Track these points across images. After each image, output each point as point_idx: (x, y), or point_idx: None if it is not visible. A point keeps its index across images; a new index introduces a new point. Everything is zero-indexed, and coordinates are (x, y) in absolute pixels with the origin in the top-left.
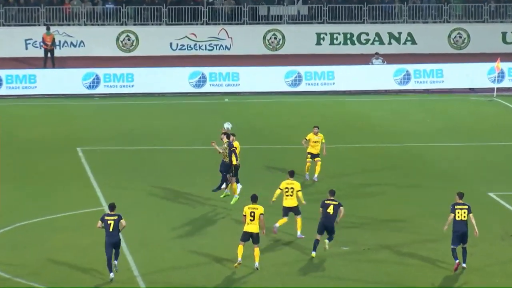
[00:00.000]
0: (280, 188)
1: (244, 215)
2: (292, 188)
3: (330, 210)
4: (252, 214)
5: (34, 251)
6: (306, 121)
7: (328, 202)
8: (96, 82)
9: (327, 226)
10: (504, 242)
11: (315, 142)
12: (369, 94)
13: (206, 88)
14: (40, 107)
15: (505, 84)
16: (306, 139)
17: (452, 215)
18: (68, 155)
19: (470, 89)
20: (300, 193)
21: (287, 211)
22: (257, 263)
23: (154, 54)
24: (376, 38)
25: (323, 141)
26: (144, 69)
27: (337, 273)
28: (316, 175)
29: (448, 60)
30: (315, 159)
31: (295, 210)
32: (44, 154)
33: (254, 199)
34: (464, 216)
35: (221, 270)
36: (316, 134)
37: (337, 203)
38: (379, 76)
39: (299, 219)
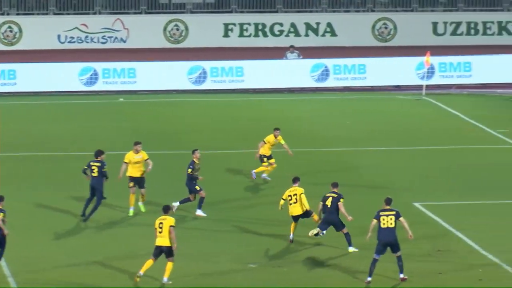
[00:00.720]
0: (283, 198)
1: (155, 228)
2: (295, 194)
3: (328, 202)
4: (161, 225)
5: None
6: (213, 124)
7: (328, 194)
8: None
9: (329, 221)
10: (430, 258)
11: (272, 145)
12: (283, 92)
13: (99, 86)
14: None
15: (435, 81)
16: (264, 141)
17: (375, 221)
18: None
19: (396, 86)
20: (303, 196)
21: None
22: (165, 278)
23: (39, 48)
24: (291, 29)
25: (282, 142)
26: (28, 65)
27: None
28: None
29: (372, 54)
30: (270, 161)
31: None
32: None
33: (165, 210)
34: (391, 224)
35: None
36: (276, 136)
37: (336, 195)
38: (294, 72)
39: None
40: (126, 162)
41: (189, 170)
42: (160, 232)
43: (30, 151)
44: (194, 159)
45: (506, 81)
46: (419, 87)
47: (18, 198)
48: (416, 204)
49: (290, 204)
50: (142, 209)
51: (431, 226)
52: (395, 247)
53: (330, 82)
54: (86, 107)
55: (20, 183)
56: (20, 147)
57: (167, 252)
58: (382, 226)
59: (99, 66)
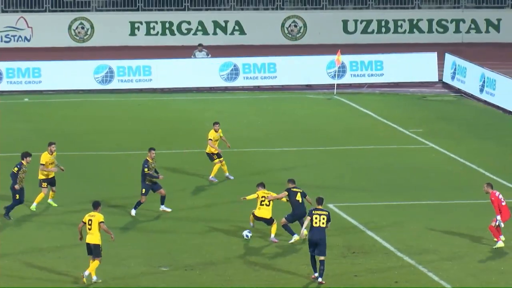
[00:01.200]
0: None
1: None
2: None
3: (299, 197)
4: (90, 222)
5: None
6: (121, 124)
7: (294, 189)
8: None
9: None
10: (345, 260)
11: (217, 140)
12: (192, 92)
13: (3, 86)
14: None
15: (347, 80)
16: (211, 139)
17: (309, 218)
18: None
19: (307, 85)
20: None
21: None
22: (94, 277)
23: None
24: (200, 28)
25: (221, 135)
26: None
27: None
28: (212, 176)
29: (282, 52)
30: (221, 159)
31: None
32: None
33: (95, 206)
34: (323, 223)
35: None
36: (217, 131)
37: (301, 190)
38: (203, 71)
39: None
40: (42, 164)
41: (145, 169)
42: (89, 229)
43: None
44: (148, 158)
45: (418, 80)
46: (331, 86)
47: None
48: (330, 206)
49: (262, 205)
50: (54, 204)
51: (345, 228)
52: (322, 249)
53: (239, 81)
54: None
55: None
56: None
57: (94, 250)
58: (313, 224)
59: (2, 65)
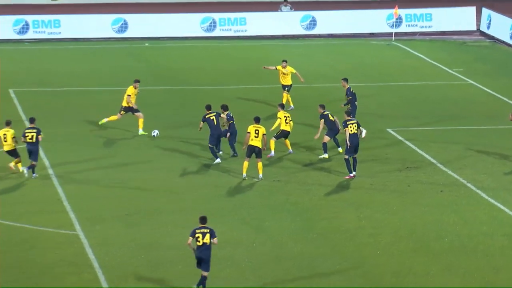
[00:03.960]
0: (248, 132)
1: (248, 132)
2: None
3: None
4: (257, 132)
5: None
6: (222, 64)
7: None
8: (25, 28)
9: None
10: (400, 173)
11: (284, 74)
12: (279, 39)
13: (129, 33)
14: None
15: (402, 29)
16: (276, 68)
17: (346, 129)
18: (1, 96)
19: (370, 33)
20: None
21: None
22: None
23: (79, 2)
24: None
25: (294, 71)
26: (70, 16)
27: None
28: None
29: (350, 7)
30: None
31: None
32: None
33: (257, 120)
34: (355, 129)
35: (144, 199)
36: (284, 67)
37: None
38: (287, 22)
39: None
40: (129, 95)
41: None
42: (256, 136)
43: (72, 86)
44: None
45: (460, 29)
46: (390, 34)
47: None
48: (388, 130)
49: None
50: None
51: (401, 148)
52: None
53: (317, 30)
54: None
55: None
56: (62, 83)
57: (258, 152)
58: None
59: (127, 16)
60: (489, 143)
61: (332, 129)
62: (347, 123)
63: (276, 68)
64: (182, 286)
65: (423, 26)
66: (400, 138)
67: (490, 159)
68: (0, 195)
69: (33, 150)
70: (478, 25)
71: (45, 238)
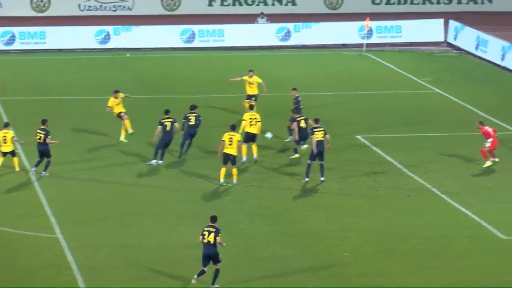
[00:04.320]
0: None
1: (222, 140)
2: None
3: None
4: (231, 139)
5: None
6: (201, 74)
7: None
8: (12, 39)
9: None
10: (368, 178)
11: (250, 83)
12: (255, 49)
13: (112, 44)
14: None
15: (373, 40)
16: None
17: (313, 136)
18: None
19: (342, 44)
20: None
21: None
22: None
23: (64, 14)
24: (261, 0)
25: (260, 81)
26: (55, 28)
27: None
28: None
29: (324, 19)
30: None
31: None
32: None
33: (233, 128)
34: (322, 137)
35: (122, 202)
36: (251, 77)
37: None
38: (263, 34)
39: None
40: (109, 106)
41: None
42: (230, 144)
43: (56, 95)
44: None
45: (428, 40)
46: (361, 45)
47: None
48: (358, 137)
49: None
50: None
51: (370, 154)
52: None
53: (292, 41)
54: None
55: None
56: (47, 92)
57: (233, 159)
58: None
59: (110, 28)
60: (455, 149)
61: (300, 135)
62: (314, 130)
63: (242, 79)
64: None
65: (392, 37)
66: (369, 144)
67: (455, 164)
68: None
69: (43, 150)
70: (446, 36)
71: (25, 241)
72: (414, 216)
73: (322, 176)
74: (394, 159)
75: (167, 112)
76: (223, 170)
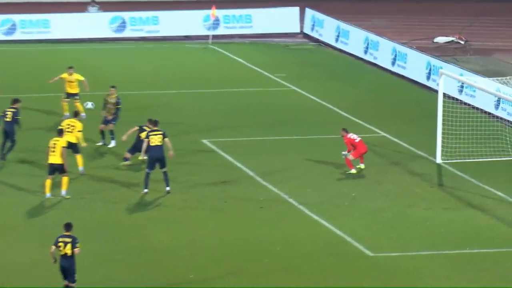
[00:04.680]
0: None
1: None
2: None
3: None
4: (54, 145)
5: None
6: (23, 72)
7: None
8: None
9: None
10: (217, 187)
11: (70, 82)
12: (85, 42)
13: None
14: None
15: (220, 31)
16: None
17: (147, 140)
18: None
19: (185, 36)
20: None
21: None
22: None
23: None
24: None
25: (81, 78)
26: None
27: None
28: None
29: (164, 7)
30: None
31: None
32: None
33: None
34: (160, 141)
35: None
36: (70, 74)
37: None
38: (95, 24)
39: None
40: None
41: None
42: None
43: None
44: None
45: (282, 31)
46: (207, 37)
47: None
48: (204, 141)
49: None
50: None
51: (218, 160)
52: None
53: (127, 33)
54: None
55: None
56: None
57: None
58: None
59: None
60: (314, 154)
61: (136, 144)
62: (150, 134)
63: (61, 78)
64: None
65: (242, 27)
66: (216, 149)
67: (315, 171)
68: None
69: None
70: (302, 27)
71: None
72: (268, 230)
73: (167, 186)
74: (245, 165)
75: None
76: (48, 182)
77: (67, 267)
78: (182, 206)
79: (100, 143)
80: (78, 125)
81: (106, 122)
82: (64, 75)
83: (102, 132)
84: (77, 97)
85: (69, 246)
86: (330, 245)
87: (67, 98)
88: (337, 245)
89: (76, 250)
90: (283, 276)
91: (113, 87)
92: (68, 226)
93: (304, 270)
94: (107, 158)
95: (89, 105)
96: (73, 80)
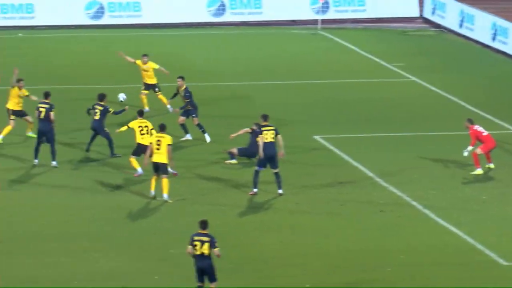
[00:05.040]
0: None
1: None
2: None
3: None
4: (158, 143)
5: None
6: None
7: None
8: None
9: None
10: (332, 189)
11: (145, 70)
12: (180, 27)
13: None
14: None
15: (330, 15)
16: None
17: (260, 137)
18: None
19: (292, 21)
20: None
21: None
22: (165, 195)
23: None
24: None
25: (156, 67)
26: None
27: None
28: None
29: None
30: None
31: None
32: None
33: (162, 128)
34: (272, 138)
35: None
36: (145, 63)
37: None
38: (191, 8)
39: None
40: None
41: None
42: (157, 149)
43: None
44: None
45: (399, 15)
46: (315, 22)
47: None
48: (316, 137)
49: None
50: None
51: (332, 159)
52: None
53: (226, 17)
54: None
55: None
56: None
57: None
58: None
59: None
60: (439, 152)
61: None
62: (262, 129)
63: (135, 62)
64: None
65: (355, 11)
66: (330, 146)
67: (439, 171)
68: None
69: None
70: (421, 10)
71: None
72: (390, 237)
73: (280, 189)
74: (363, 165)
75: (46, 95)
76: (153, 180)
77: (206, 268)
78: (294, 210)
79: (185, 138)
80: (149, 124)
81: (186, 114)
82: (138, 62)
83: (183, 125)
84: (157, 88)
85: (206, 245)
86: (460, 253)
87: (145, 90)
88: (468, 254)
89: (216, 251)
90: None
91: (180, 77)
92: (204, 224)
93: (432, 281)
94: (206, 156)
95: (121, 97)
96: (148, 69)
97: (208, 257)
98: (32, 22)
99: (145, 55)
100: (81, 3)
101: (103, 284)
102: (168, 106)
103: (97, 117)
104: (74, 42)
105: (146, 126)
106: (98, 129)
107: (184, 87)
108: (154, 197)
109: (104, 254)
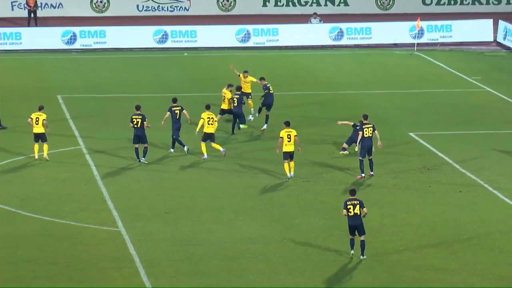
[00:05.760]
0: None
1: (281, 137)
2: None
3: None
4: (289, 136)
5: (19, 184)
6: (257, 72)
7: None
8: (73, 38)
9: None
10: (421, 174)
11: (245, 83)
12: (308, 49)
13: (168, 44)
14: (24, 61)
15: (424, 40)
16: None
17: (361, 133)
18: (50, 101)
19: (394, 44)
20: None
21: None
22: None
23: (123, 15)
24: (314, 0)
25: (254, 80)
26: (115, 27)
27: None
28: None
29: (375, 19)
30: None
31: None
32: (27, 101)
33: (287, 124)
34: (370, 133)
35: (182, 197)
36: (246, 77)
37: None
38: (316, 34)
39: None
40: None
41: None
42: (288, 141)
43: (115, 92)
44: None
45: (478, 40)
46: (412, 45)
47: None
48: (411, 134)
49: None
50: None
51: (423, 150)
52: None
53: (344, 41)
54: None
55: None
56: (106, 90)
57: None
58: (365, 135)
59: (168, 29)
60: (506, 147)
61: (352, 137)
62: (363, 126)
63: (238, 75)
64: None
65: (443, 37)
66: (422, 141)
67: (507, 161)
68: (48, 194)
69: (141, 135)
70: (495, 36)
71: (89, 234)
72: (466, 212)
73: (372, 171)
74: (447, 155)
75: (175, 100)
76: (286, 165)
77: (358, 224)
78: (392, 189)
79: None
80: (214, 116)
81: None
82: (241, 76)
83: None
84: (250, 96)
85: (357, 207)
86: None
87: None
88: None
89: (364, 209)
90: (479, 250)
91: (262, 78)
92: (353, 191)
93: (497, 246)
94: (330, 144)
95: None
96: (247, 82)
97: (359, 217)
98: (195, 44)
99: (246, 71)
100: (232, 29)
101: (243, 246)
102: (252, 110)
103: (235, 104)
104: (226, 60)
105: (212, 118)
106: (238, 114)
107: (264, 83)
108: (289, 178)
109: (245, 223)
